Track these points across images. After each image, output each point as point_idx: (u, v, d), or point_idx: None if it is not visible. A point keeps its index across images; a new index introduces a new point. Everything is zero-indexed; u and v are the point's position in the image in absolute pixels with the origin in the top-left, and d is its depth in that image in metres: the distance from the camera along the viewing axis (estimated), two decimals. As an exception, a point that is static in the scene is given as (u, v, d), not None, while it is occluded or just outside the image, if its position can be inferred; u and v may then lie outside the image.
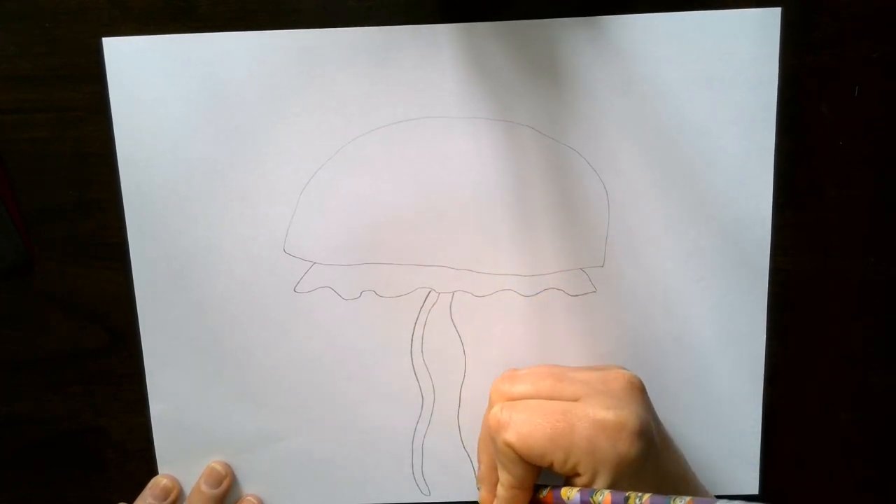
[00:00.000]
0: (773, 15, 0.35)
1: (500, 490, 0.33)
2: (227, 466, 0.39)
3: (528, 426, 0.31)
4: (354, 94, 0.36)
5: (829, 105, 0.37)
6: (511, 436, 0.31)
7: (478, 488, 0.37)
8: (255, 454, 0.39)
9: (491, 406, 0.35)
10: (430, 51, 0.36)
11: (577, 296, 0.38)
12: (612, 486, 0.30)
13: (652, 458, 0.31)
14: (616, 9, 0.36)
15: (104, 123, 0.37)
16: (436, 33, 0.36)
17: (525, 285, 0.38)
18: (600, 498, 0.30)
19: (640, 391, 0.33)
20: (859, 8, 0.36)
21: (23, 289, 0.38)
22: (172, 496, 0.39)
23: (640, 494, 0.28)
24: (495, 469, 0.34)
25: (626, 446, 0.30)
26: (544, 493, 0.33)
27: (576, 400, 0.32)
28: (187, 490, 0.39)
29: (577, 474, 0.31)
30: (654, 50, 0.36)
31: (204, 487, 0.38)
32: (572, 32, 0.36)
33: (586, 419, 0.31)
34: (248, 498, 0.40)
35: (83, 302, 0.38)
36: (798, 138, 0.37)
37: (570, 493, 0.31)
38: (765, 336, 0.38)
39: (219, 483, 0.39)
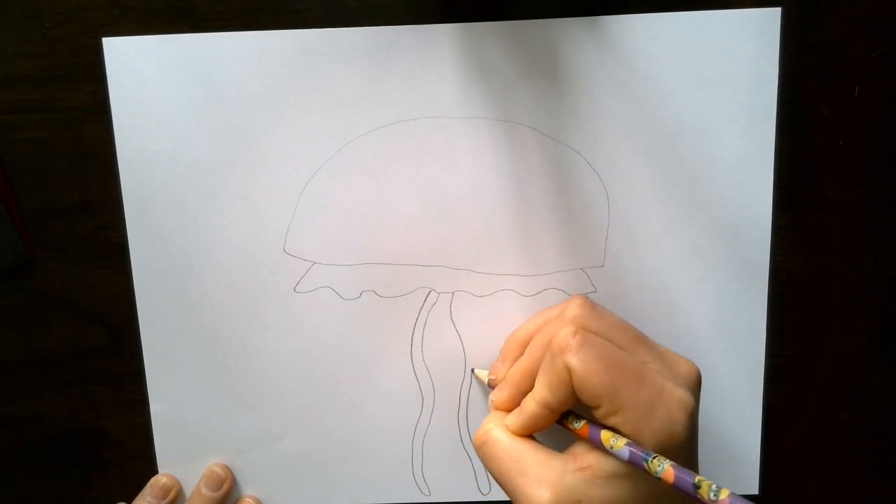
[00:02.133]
0: (773, 15, 0.35)
1: (531, 404, 0.32)
2: (228, 469, 0.39)
3: (598, 363, 0.30)
4: (354, 94, 0.36)
5: (829, 105, 0.37)
6: (577, 363, 0.30)
7: (478, 377, 0.35)
8: (255, 454, 0.39)
9: (561, 322, 0.33)
10: (430, 51, 0.36)
11: (577, 296, 0.38)
12: None
13: (686, 450, 0.30)
14: (616, 9, 0.36)
15: (104, 123, 0.37)
16: (436, 33, 0.36)
17: (525, 285, 0.38)
18: (660, 467, 0.28)
19: (699, 385, 0.32)
20: (859, 8, 0.36)
21: (23, 289, 0.38)
22: (172, 495, 0.39)
23: (714, 485, 0.27)
24: (530, 377, 0.33)
25: (680, 426, 0.29)
26: (578, 424, 0.31)
27: (645, 364, 0.31)
28: (187, 490, 0.39)
29: (616, 430, 0.30)
30: (654, 50, 0.36)
31: (204, 490, 0.38)
32: (572, 32, 0.36)
33: (656, 385, 0.30)
34: (246, 499, 0.40)
35: (83, 302, 0.38)
36: (798, 138, 0.37)
37: (616, 442, 0.29)
38: (765, 336, 0.38)
39: (219, 486, 0.39)
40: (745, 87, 0.36)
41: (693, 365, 0.32)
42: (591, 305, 0.33)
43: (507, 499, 0.40)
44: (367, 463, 0.40)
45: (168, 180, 0.37)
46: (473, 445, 0.34)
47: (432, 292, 0.38)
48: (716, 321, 0.38)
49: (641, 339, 0.32)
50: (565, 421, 0.32)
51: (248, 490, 0.40)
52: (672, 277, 0.38)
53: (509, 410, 0.34)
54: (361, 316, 0.38)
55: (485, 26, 0.36)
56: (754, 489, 0.39)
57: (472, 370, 0.39)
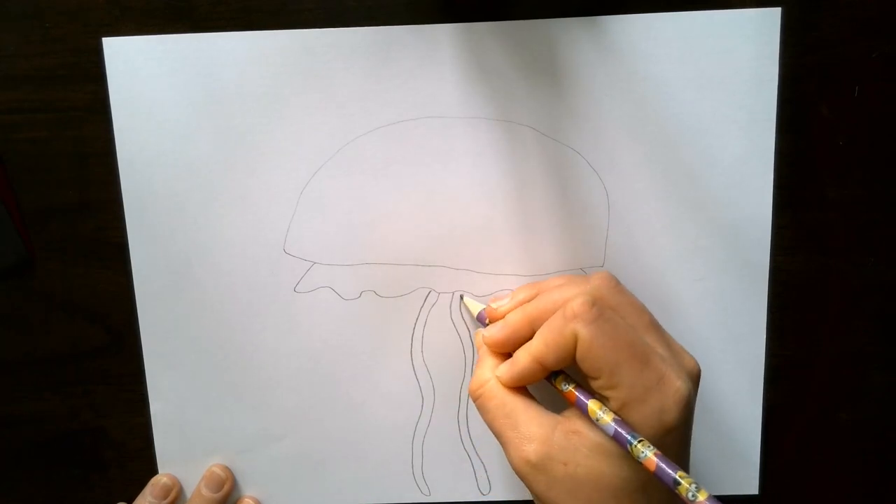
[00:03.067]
0: (773, 15, 0.35)
1: (524, 357, 0.32)
2: (228, 470, 0.39)
3: (606, 340, 0.29)
4: (354, 94, 0.36)
5: (829, 105, 0.37)
6: (586, 333, 0.29)
7: (467, 306, 0.36)
8: (255, 454, 0.39)
9: (579, 290, 0.32)
10: (430, 51, 0.36)
11: (577, 296, 0.38)
12: None
13: (676, 443, 0.30)
14: (616, 9, 0.36)
15: (104, 123, 0.37)
16: (436, 33, 0.36)
17: (525, 285, 0.38)
18: (643, 454, 0.28)
19: (698, 383, 0.32)
20: (859, 8, 0.36)
21: (23, 289, 0.38)
22: (172, 495, 0.39)
23: (694, 484, 0.26)
24: (530, 327, 0.32)
25: (671, 416, 0.29)
26: (566, 387, 0.31)
27: (652, 349, 0.31)
28: (187, 490, 0.39)
29: (605, 401, 0.30)
30: (654, 50, 0.36)
31: (205, 491, 0.38)
32: (572, 32, 0.36)
33: (658, 371, 0.30)
34: (246, 500, 0.40)
35: (83, 302, 0.38)
36: (798, 138, 0.37)
37: (605, 416, 0.29)
38: (765, 336, 0.38)
39: (220, 487, 0.39)
40: (745, 87, 0.36)
41: (696, 362, 0.32)
42: (615, 282, 0.33)
43: (507, 499, 0.40)
44: (367, 463, 0.40)
45: (168, 180, 0.37)
46: (470, 395, 0.34)
47: (432, 292, 0.38)
48: (716, 321, 0.38)
49: (654, 326, 0.32)
50: (554, 380, 0.32)
51: (248, 490, 0.40)
52: (672, 277, 0.38)
53: (498, 351, 0.34)
54: (361, 316, 0.38)
55: (485, 26, 0.36)
56: (754, 489, 0.39)
57: (461, 296, 0.37)
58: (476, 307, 0.37)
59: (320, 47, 0.36)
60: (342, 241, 0.37)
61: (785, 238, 0.38)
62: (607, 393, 0.30)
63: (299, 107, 0.36)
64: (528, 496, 0.40)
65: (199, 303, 0.38)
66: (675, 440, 0.30)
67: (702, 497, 0.26)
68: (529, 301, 0.34)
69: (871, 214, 0.38)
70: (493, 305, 0.35)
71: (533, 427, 0.31)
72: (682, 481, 0.27)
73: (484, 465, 0.40)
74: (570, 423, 0.31)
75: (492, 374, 0.33)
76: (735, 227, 0.37)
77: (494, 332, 0.34)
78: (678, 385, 0.30)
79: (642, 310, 0.33)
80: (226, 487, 0.39)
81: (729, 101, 0.36)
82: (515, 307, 0.34)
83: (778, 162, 0.37)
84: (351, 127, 0.37)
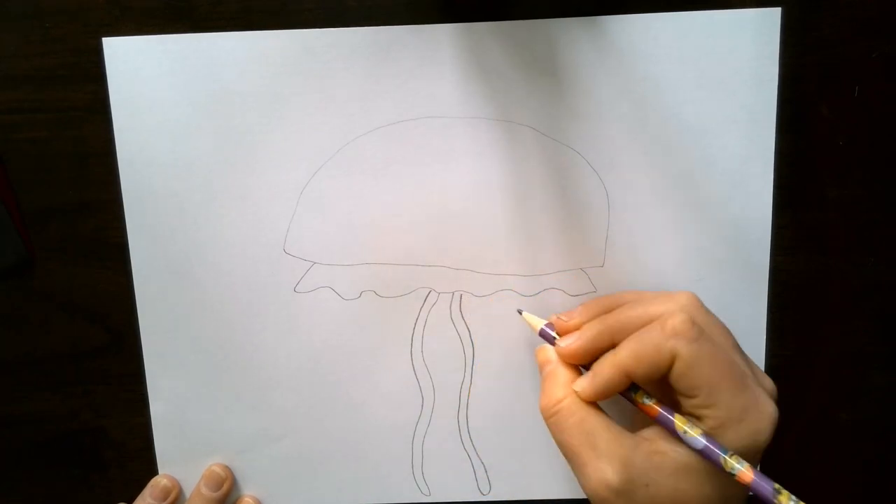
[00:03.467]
0: (773, 15, 0.35)
1: (609, 369, 0.31)
2: (228, 469, 0.39)
3: (706, 360, 0.29)
4: (354, 94, 0.36)
5: (829, 105, 0.37)
6: (688, 353, 0.29)
7: (523, 315, 0.35)
8: (255, 454, 0.39)
9: (677, 305, 0.31)
10: (430, 51, 0.36)
11: (577, 296, 0.38)
12: None
13: (758, 462, 0.30)
14: (616, 9, 0.36)
15: (104, 123, 0.37)
16: (436, 33, 0.36)
17: (525, 285, 0.38)
18: (737, 466, 0.28)
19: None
20: (859, 8, 0.36)
21: (23, 289, 0.38)
22: (172, 496, 0.39)
23: (794, 499, 0.27)
24: (611, 338, 0.32)
25: (764, 438, 0.29)
26: (649, 401, 0.31)
27: (746, 371, 0.31)
28: (187, 490, 0.39)
29: (700, 421, 0.30)
30: (654, 50, 0.36)
31: (204, 490, 0.38)
32: (572, 32, 0.36)
33: (754, 394, 0.29)
34: (246, 499, 0.40)
35: (83, 302, 0.38)
36: (798, 138, 0.37)
37: (692, 430, 0.29)
38: (765, 336, 0.38)
39: (219, 486, 0.39)
40: (745, 87, 0.36)
41: (772, 382, 0.32)
42: (701, 303, 0.32)
43: (507, 498, 0.40)
44: (367, 463, 0.40)
45: (168, 180, 0.37)
46: (542, 414, 0.32)
47: (432, 292, 0.38)
48: (716, 321, 0.38)
49: (738, 347, 0.32)
50: (634, 394, 0.31)
51: (248, 490, 0.40)
52: (672, 277, 0.38)
53: (575, 362, 0.33)
54: (361, 316, 0.38)
55: (485, 26, 0.36)
56: (754, 489, 0.39)
57: (520, 311, 0.36)
58: (538, 322, 0.35)
59: (320, 47, 0.36)
60: (342, 241, 0.37)
61: (785, 238, 0.38)
62: (703, 412, 0.29)
63: (299, 107, 0.36)
64: (527, 496, 0.40)
65: (199, 303, 0.38)
66: (759, 460, 0.30)
67: None
68: (605, 313, 0.33)
69: (871, 214, 0.38)
70: (563, 318, 0.35)
71: (613, 447, 0.30)
72: (782, 492, 0.27)
73: (484, 465, 0.40)
74: (652, 443, 0.30)
75: (566, 389, 0.32)
76: (735, 227, 0.37)
77: (571, 342, 0.33)
78: (772, 408, 0.30)
79: (727, 331, 0.32)
80: (225, 486, 0.39)
81: (729, 101, 0.36)
82: (588, 320, 0.34)
83: (778, 162, 0.37)
84: (351, 127, 0.37)
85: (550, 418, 0.32)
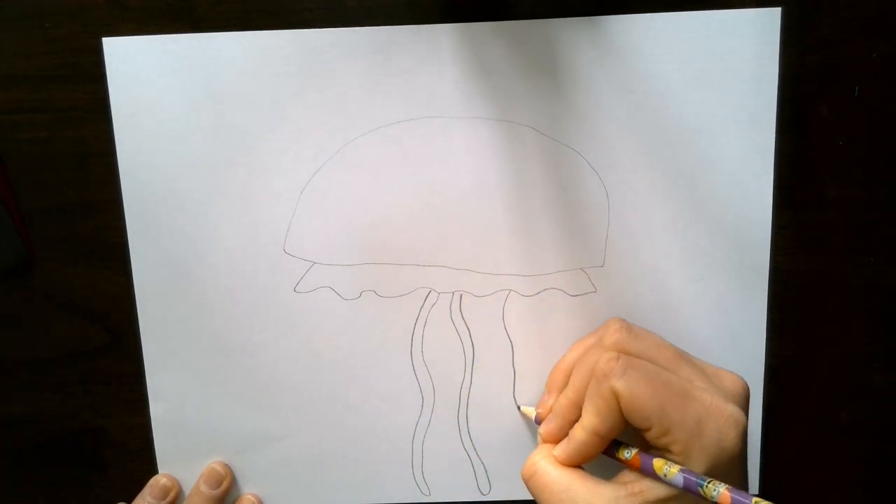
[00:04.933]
0: (773, 15, 0.35)
1: (580, 432, 0.32)
2: (227, 467, 0.39)
3: (644, 385, 0.30)
4: (354, 94, 0.36)
5: (829, 105, 0.37)
6: (622, 387, 0.30)
7: (523, 411, 0.36)
8: (255, 454, 0.39)
9: (601, 348, 0.33)
10: (430, 51, 0.36)
11: (577, 296, 0.38)
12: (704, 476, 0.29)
13: (737, 465, 0.30)
14: (616, 9, 0.36)
15: (104, 123, 0.37)
16: (436, 33, 0.36)
17: (525, 285, 0.38)
18: (716, 491, 0.28)
19: (748, 398, 0.32)
20: (859, 8, 0.36)
21: (23, 289, 0.38)
22: (171, 496, 0.39)
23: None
24: (577, 407, 0.33)
25: (732, 441, 0.29)
26: (629, 454, 0.31)
27: (689, 382, 0.31)
28: (187, 490, 0.39)
29: (669, 451, 0.30)
30: (654, 50, 0.36)
31: (203, 488, 0.38)
32: (572, 32, 0.36)
33: (703, 402, 0.30)
34: (247, 496, 0.40)
35: (83, 302, 0.38)
36: (798, 138, 0.37)
37: (670, 469, 0.29)
38: (765, 336, 0.38)
39: (218, 483, 0.39)
40: (745, 87, 0.36)
41: (739, 378, 0.32)
42: (629, 328, 0.33)
43: (507, 498, 0.40)
44: (367, 463, 0.40)
45: (168, 180, 0.37)
46: (522, 478, 0.34)
47: (432, 292, 0.38)
48: (716, 321, 0.38)
49: (683, 357, 0.33)
50: (616, 452, 0.32)
51: (249, 489, 0.40)
52: (672, 277, 0.38)
53: (558, 442, 0.34)
54: (361, 316, 0.38)
55: (485, 26, 0.36)
56: (754, 489, 0.39)
57: (518, 407, 0.39)
58: (531, 411, 0.38)
59: (320, 47, 0.36)
60: (342, 241, 0.37)
61: (785, 238, 0.38)
62: (664, 441, 0.30)
63: (299, 107, 0.36)
64: (527, 496, 0.40)
65: (199, 303, 0.38)
66: (738, 462, 0.30)
67: None
68: (566, 385, 0.35)
69: (871, 214, 0.38)
70: (539, 409, 0.37)
71: (594, 498, 0.30)
72: (760, 503, 0.27)
73: (484, 465, 0.40)
74: (630, 486, 0.30)
75: (543, 453, 0.33)
76: (735, 227, 0.37)
77: (549, 426, 0.34)
78: (729, 409, 0.30)
79: (665, 345, 0.33)
80: (224, 484, 0.39)
81: (729, 101, 0.36)
82: (557, 397, 0.35)
83: (778, 162, 0.37)
84: (351, 127, 0.37)
85: (529, 481, 0.33)
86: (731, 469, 0.29)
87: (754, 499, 0.27)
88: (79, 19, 0.36)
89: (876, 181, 0.37)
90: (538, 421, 0.36)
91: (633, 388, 0.30)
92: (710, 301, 0.38)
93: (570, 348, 0.37)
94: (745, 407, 0.32)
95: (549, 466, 0.33)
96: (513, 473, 0.40)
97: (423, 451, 0.39)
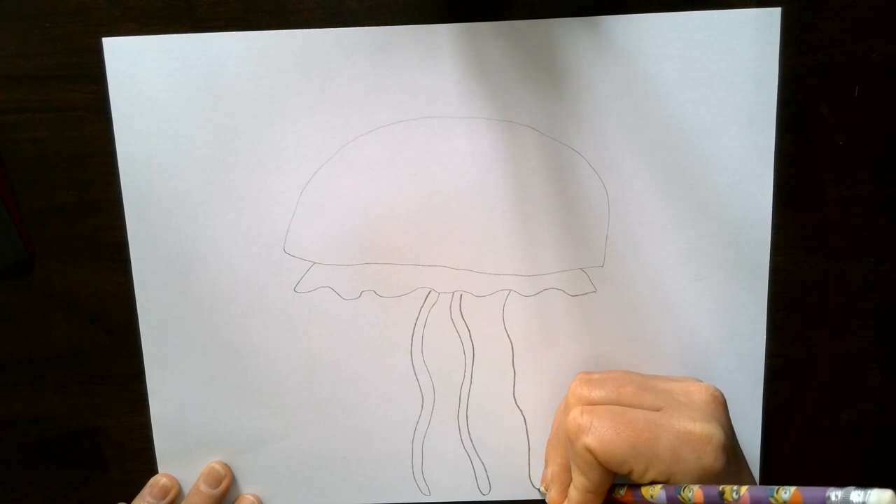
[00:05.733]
0: (773, 15, 0.35)
1: (574, 493, 0.33)
2: (227, 467, 0.39)
3: (611, 432, 0.31)
4: (354, 94, 0.36)
5: (829, 105, 0.37)
6: (592, 441, 0.31)
7: (541, 491, 0.38)
8: (255, 454, 0.39)
9: (568, 409, 0.34)
10: (430, 51, 0.36)
11: (577, 296, 0.38)
12: None
13: (732, 473, 0.31)
14: (616, 9, 0.36)
15: (104, 123, 0.37)
16: (436, 33, 0.36)
17: (525, 285, 0.38)
18: (689, 493, 0.29)
19: (722, 405, 0.33)
20: (859, 8, 0.36)
21: (23, 289, 0.38)
22: (171, 495, 0.39)
23: (735, 487, 0.27)
24: (567, 470, 0.34)
25: (711, 459, 0.30)
26: (622, 492, 0.33)
27: (657, 409, 0.32)
28: (187, 489, 0.39)
29: (656, 484, 0.31)
30: (654, 50, 0.36)
31: (203, 487, 0.38)
32: (572, 32, 0.36)
33: (671, 430, 0.30)
34: (247, 496, 0.40)
35: (83, 302, 0.38)
36: (798, 138, 0.37)
37: (653, 490, 0.31)
38: (765, 336, 0.38)
39: (218, 483, 0.39)
40: (745, 87, 0.36)
41: (708, 388, 0.33)
42: (587, 378, 0.35)
43: (507, 498, 0.40)
44: (367, 463, 0.40)
45: (168, 180, 0.37)
46: None
47: (432, 292, 0.38)
48: (716, 321, 0.38)
49: (646, 386, 0.33)
50: (612, 494, 0.33)
51: (248, 489, 0.40)
52: (672, 277, 0.38)
53: None
54: (361, 316, 0.38)
55: (485, 26, 0.36)
56: (754, 489, 0.39)
57: (539, 489, 0.39)
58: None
59: (320, 47, 0.36)
60: (342, 241, 0.37)
61: (785, 238, 0.38)
62: (648, 477, 0.31)
63: (299, 107, 0.36)
64: (527, 496, 0.40)
65: (199, 303, 0.38)
66: (727, 473, 0.30)
67: (743, 491, 0.27)
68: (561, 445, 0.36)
69: (871, 214, 0.38)
70: (542, 484, 0.38)
71: None
72: (725, 490, 0.27)
73: (484, 465, 0.40)
74: None
75: None
76: (735, 227, 0.37)
77: (551, 494, 0.36)
78: (697, 430, 0.30)
79: (625, 381, 0.34)
80: (224, 484, 0.39)
81: (729, 101, 0.36)
82: (553, 466, 0.36)
83: (778, 162, 0.37)
84: (351, 127, 0.37)
85: None
86: (721, 482, 0.30)
87: (720, 486, 0.28)
88: (79, 19, 0.36)
89: (876, 181, 0.37)
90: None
91: (602, 439, 0.31)
92: (710, 301, 0.38)
93: (555, 419, 0.38)
94: (718, 415, 0.32)
95: None
96: (513, 473, 0.40)
97: (423, 451, 0.39)
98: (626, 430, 0.31)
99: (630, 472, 0.31)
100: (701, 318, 0.38)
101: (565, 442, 0.34)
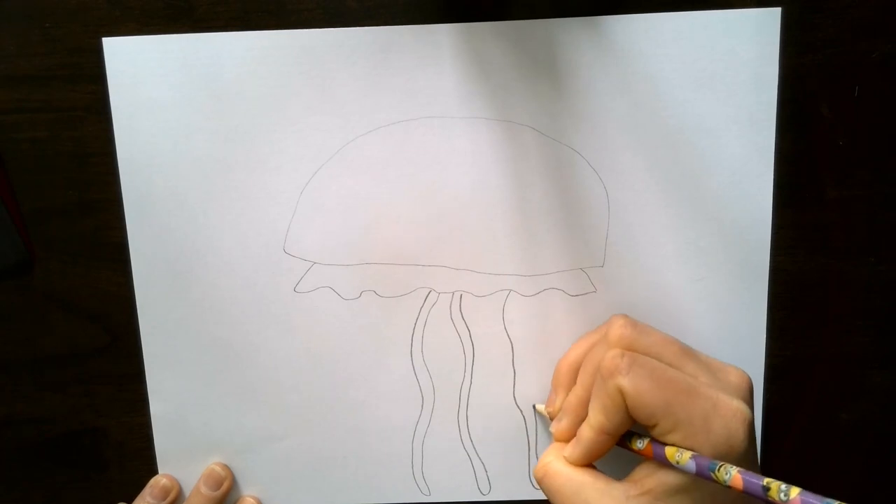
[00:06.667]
0: (773, 15, 0.35)
1: (588, 431, 0.32)
2: (227, 468, 0.39)
3: (649, 383, 0.30)
4: (354, 94, 0.36)
5: (829, 105, 0.37)
6: (628, 385, 0.30)
7: (543, 413, 0.36)
8: (255, 454, 0.39)
9: (608, 345, 0.33)
10: (430, 51, 0.36)
11: (577, 296, 0.38)
12: None
13: (746, 459, 0.30)
14: (616, 9, 0.36)
15: (104, 123, 0.37)
16: (436, 33, 0.36)
17: (525, 285, 0.38)
18: (727, 475, 0.28)
19: (751, 392, 0.32)
20: (859, 8, 0.36)
21: (23, 289, 0.38)
22: (171, 496, 0.39)
23: (783, 486, 0.26)
24: (585, 405, 0.33)
25: (740, 436, 0.29)
26: (641, 444, 0.31)
27: (694, 378, 0.31)
28: (187, 490, 0.39)
29: (685, 450, 0.30)
30: (654, 50, 0.36)
31: (204, 489, 0.38)
32: (572, 32, 0.36)
33: (709, 398, 0.30)
34: (247, 499, 0.40)
35: (83, 302, 0.38)
36: (798, 138, 0.37)
37: (681, 456, 0.29)
38: (765, 336, 0.38)
39: (219, 485, 0.39)
40: (745, 87, 0.36)
41: (743, 373, 0.32)
42: (633, 324, 0.33)
43: (507, 498, 0.40)
44: (367, 463, 0.40)
45: (168, 180, 0.37)
46: (535, 478, 0.34)
47: (432, 292, 0.38)
48: (716, 321, 0.38)
49: (688, 353, 0.32)
50: (628, 443, 0.32)
51: (248, 490, 0.40)
52: (672, 277, 0.38)
53: (569, 439, 0.34)
54: (361, 316, 0.38)
55: (485, 26, 0.36)
56: (754, 489, 0.39)
57: (534, 406, 0.39)
58: (544, 409, 0.38)
59: (320, 47, 0.36)
60: (342, 241, 0.37)
61: (785, 238, 0.38)
62: (671, 437, 0.30)
63: (299, 107, 0.36)
64: (527, 496, 0.40)
65: (199, 303, 0.38)
66: (747, 456, 0.30)
67: (793, 494, 0.26)
68: (573, 382, 0.35)
69: (871, 214, 0.38)
70: (548, 409, 0.37)
71: (605, 500, 0.31)
72: (771, 486, 0.27)
73: (484, 465, 0.40)
74: (641, 483, 0.31)
75: (554, 454, 0.34)
76: (735, 227, 0.37)
77: (560, 425, 0.35)
78: (735, 405, 0.30)
79: (670, 341, 0.33)
80: (225, 486, 0.39)
81: (729, 101, 0.36)
82: (565, 395, 0.35)
83: (778, 162, 0.37)
84: (351, 127, 0.37)
85: (541, 481, 0.34)
86: (739, 464, 0.29)
87: (766, 479, 0.27)
88: (79, 19, 0.36)
89: (876, 181, 0.37)
90: (550, 417, 0.37)
91: (638, 386, 0.30)
92: (710, 301, 0.38)
93: (573, 344, 0.37)
94: (750, 402, 0.32)
95: (560, 467, 0.33)
96: (513, 473, 0.40)
97: (423, 451, 0.39)
98: (665, 385, 0.30)
99: (653, 427, 0.30)
100: (701, 318, 0.38)
101: (593, 376, 0.33)
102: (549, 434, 0.37)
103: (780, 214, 0.37)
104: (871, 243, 0.38)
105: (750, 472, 0.28)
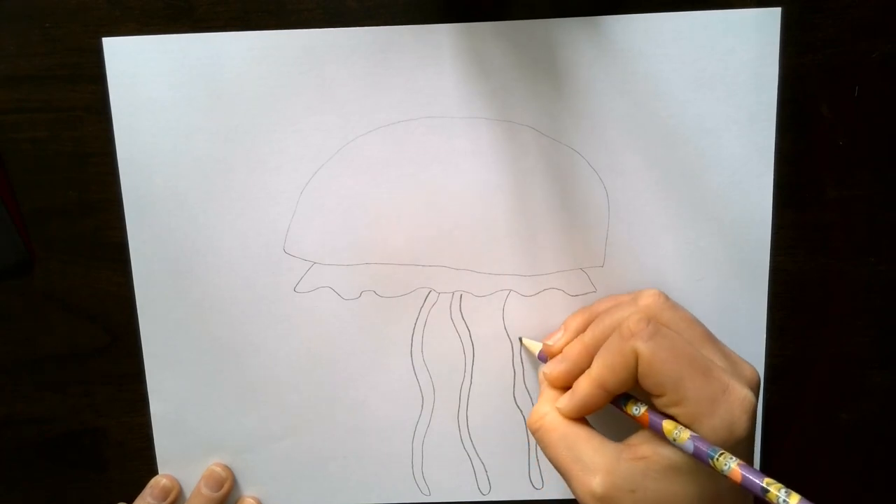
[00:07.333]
0: (773, 15, 0.35)
1: (585, 385, 0.32)
2: (228, 469, 0.39)
3: (667, 354, 0.29)
4: (354, 94, 0.36)
5: (829, 105, 0.37)
6: (646, 349, 0.29)
7: (545, 343, 0.36)
8: (255, 454, 0.39)
9: (635, 307, 0.33)
10: (430, 51, 0.36)
11: (577, 296, 0.38)
12: None
13: (744, 450, 0.30)
14: (616, 9, 0.36)
15: (104, 123, 0.37)
16: (436, 33, 0.36)
17: (525, 285, 0.38)
18: (726, 466, 0.28)
19: (759, 389, 0.32)
20: (859, 8, 0.36)
21: (23, 289, 0.38)
22: (172, 496, 0.39)
23: (783, 489, 0.26)
24: (589, 355, 0.33)
25: (741, 426, 0.29)
26: (637, 410, 0.31)
27: (712, 361, 0.31)
28: (187, 490, 0.39)
29: (675, 420, 0.30)
30: (654, 50, 0.36)
31: (204, 490, 0.38)
32: (572, 32, 0.36)
33: (722, 382, 0.29)
34: (248, 499, 0.40)
35: (83, 302, 0.38)
36: (798, 138, 0.37)
37: (680, 434, 0.29)
38: (765, 336, 0.38)
39: (220, 486, 0.39)
40: (745, 87, 0.36)
41: (755, 370, 0.32)
42: (665, 298, 0.33)
43: (507, 498, 0.40)
44: (367, 463, 0.40)
45: (168, 180, 0.37)
46: (529, 428, 0.34)
47: (432, 292, 0.38)
48: (716, 321, 0.38)
49: (709, 338, 0.32)
50: (624, 406, 0.32)
51: (248, 490, 0.40)
52: (672, 277, 0.38)
53: (562, 387, 0.34)
54: (361, 316, 0.38)
55: (485, 26, 0.36)
56: (754, 489, 0.39)
57: (521, 339, 0.38)
58: (535, 347, 0.37)
59: (320, 47, 0.36)
60: (342, 241, 0.37)
61: (785, 238, 0.38)
62: (674, 410, 0.30)
63: (299, 107, 0.36)
64: (527, 496, 0.40)
65: (199, 303, 0.38)
66: (744, 447, 0.30)
67: (793, 501, 0.26)
68: (583, 330, 0.34)
69: (871, 214, 0.38)
70: (549, 342, 0.36)
71: (597, 458, 0.31)
72: (770, 488, 0.26)
73: (484, 465, 0.40)
74: (636, 449, 0.30)
75: (550, 406, 0.33)
76: (735, 227, 0.37)
77: (554, 367, 0.34)
78: (744, 394, 0.29)
79: (695, 323, 0.33)
80: (226, 486, 0.39)
81: (729, 101, 0.36)
82: (571, 339, 0.35)
83: (778, 162, 0.37)
84: (351, 127, 0.37)
85: (535, 433, 0.33)
86: (736, 452, 0.29)
87: (766, 479, 0.27)
88: (79, 19, 0.36)
89: (876, 181, 0.37)
90: (542, 357, 0.36)
91: (656, 354, 0.29)
92: (710, 301, 0.38)
93: (599, 300, 0.37)
94: (757, 394, 0.31)
95: (555, 421, 0.33)
96: (513, 473, 0.40)
97: (423, 451, 0.39)
98: (682, 359, 0.29)
99: (658, 397, 0.30)
100: (701, 319, 0.38)
101: (608, 331, 0.32)
102: (539, 373, 0.36)
103: (780, 214, 0.37)
104: (871, 243, 0.38)
105: (750, 468, 0.27)
